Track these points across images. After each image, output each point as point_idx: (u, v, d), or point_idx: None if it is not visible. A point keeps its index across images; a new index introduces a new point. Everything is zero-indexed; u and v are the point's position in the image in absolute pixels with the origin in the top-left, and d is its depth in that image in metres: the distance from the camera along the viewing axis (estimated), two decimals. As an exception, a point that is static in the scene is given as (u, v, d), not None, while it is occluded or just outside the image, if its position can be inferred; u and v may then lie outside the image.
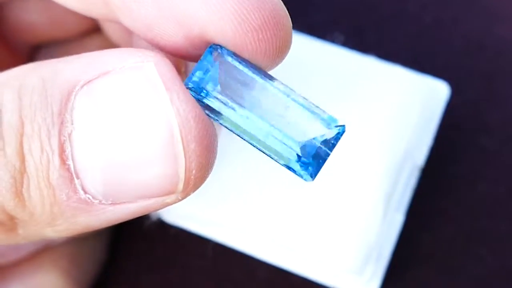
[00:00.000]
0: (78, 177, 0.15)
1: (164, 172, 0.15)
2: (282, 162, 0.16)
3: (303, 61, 0.23)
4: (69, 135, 0.15)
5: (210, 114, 0.16)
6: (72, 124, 0.15)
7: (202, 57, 0.16)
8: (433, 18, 0.29)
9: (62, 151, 0.15)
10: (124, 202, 0.16)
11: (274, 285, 0.26)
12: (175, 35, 0.16)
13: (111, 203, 0.16)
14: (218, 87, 0.16)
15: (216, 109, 0.16)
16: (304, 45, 0.24)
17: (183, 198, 0.16)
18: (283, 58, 0.17)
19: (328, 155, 0.16)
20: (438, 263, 0.26)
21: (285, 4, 0.17)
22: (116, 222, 0.16)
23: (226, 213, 0.24)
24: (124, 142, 0.15)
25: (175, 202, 0.16)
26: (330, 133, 0.16)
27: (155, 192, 0.16)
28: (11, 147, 0.15)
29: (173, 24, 0.16)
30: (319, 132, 0.16)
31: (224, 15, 0.15)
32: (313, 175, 0.16)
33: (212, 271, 0.26)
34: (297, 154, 0.16)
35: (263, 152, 0.16)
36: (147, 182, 0.16)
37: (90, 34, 0.24)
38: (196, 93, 0.16)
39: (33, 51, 0.25)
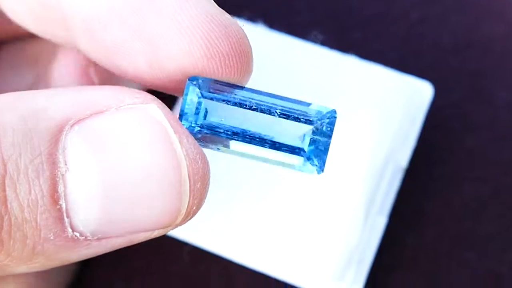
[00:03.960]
0: (68, 216, 0.15)
1: (166, 209, 0.16)
2: (287, 168, 0.17)
3: (281, 61, 0.23)
4: (63, 175, 0.15)
5: (206, 146, 0.17)
6: (65, 164, 0.15)
7: (185, 93, 0.16)
8: (420, 16, 0.28)
9: (54, 191, 0.15)
10: (111, 237, 0.16)
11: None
12: (140, 59, 0.17)
13: (97, 239, 0.16)
14: (210, 120, 0.16)
15: (213, 142, 0.17)
16: (282, 44, 0.23)
17: (172, 229, 0.17)
18: (245, 84, 0.17)
19: (328, 143, 0.17)
20: (422, 267, 0.26)
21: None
22: (96, 255, 0.16)
23: (203, 217, 0.23)
24: (127, 181, 0.15)
25: (164, 233, 0.17)
26: (322, 124, 0.16)
27: (150, 227, 0.16)
28: None
29: (139, 46, 0.16)
30: (311, 127, 0.16)
31: (194, 39, 0.16)
32: (322, 167, 0.17)
33: (189, 277, 0.26)
34: (301, 156, 0.17)
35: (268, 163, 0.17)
36: (145, 218, 0.16)
37: None
38: (192, 131, 0.17)
39: None
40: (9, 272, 0.16)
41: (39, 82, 0.23)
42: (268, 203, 0.23)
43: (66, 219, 0.15)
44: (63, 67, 0.22)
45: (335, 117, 0.17)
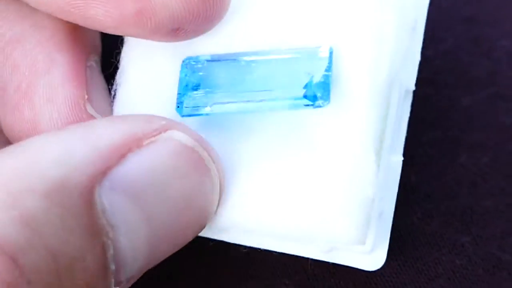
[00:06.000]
0: (115, 277, 0.15)
1: (201, 223, 0.16)
2: (295, 109, 0.18)
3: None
4: (110, 238, 0.14)
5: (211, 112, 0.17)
6: (109, 224, 0.14)
7: (180, 75, 0.17)
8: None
9: (105, 259, 0.14)
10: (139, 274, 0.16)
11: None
12: (129, 7, 0.16)
13: (129, 280, 0.15)
14: (208, 90, 0.17)
15: (219, 110, 0.17)
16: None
17: None
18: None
19: (329, 76, 0.18)
20: (409, 254, 0.22)
21: None
22: None
23: None
24: (171, 215, 0.15)
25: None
26: (320, 63, 0.18)
27: (183, 243, 0.16)
28: (42, 282, 0.13)
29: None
30: (311, 67, 0.18)
31: None
32: (327, 99, 0.18)
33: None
34: (306, 95, 0.17)
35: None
36: (183, 240, 0.16)
37: None
38: (195, 107, 0.17)
39: None
40: None
41: None
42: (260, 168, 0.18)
43: (112, 281, 0.15)
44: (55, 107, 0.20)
45: (331, 54, 0.18)
